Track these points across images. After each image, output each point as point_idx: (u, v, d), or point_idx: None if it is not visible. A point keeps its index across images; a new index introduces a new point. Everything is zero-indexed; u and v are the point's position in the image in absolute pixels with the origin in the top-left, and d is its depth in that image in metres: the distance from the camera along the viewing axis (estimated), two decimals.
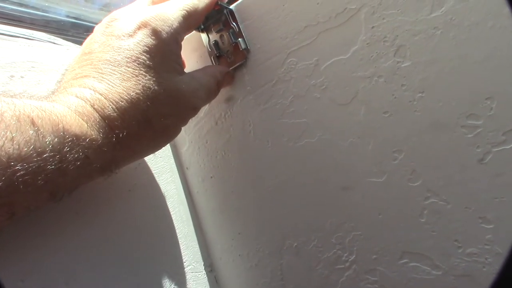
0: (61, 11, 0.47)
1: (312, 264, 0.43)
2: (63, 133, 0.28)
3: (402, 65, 0.39)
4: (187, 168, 0.51)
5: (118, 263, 0.39)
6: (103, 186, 0.40)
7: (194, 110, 0.40)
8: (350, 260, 0.42)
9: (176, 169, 0.50)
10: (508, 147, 0.36)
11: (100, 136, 0.32)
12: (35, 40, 0.42)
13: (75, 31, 0.46)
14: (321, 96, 0.42)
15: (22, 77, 0.38)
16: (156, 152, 0.47)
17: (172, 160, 0.50)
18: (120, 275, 0.39)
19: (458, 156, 0.37)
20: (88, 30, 0.48)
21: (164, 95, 0.36)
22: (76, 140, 0.29)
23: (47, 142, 0.27)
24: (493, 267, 0.37)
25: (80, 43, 0.46)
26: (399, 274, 0.40)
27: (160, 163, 0.47)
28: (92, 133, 0.31)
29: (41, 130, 0.27)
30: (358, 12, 0.40)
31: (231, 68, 0.46)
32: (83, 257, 0.36)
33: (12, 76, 0.38)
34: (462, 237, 0.38)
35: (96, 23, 0.44)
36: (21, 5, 0.43)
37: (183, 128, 0.47)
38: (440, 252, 0.39)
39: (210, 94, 0.42)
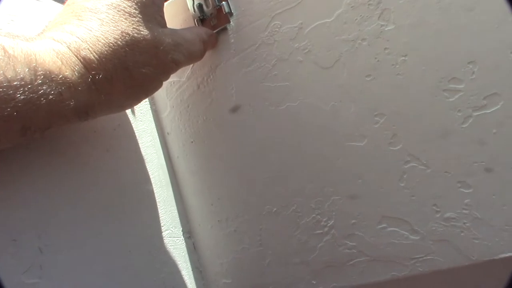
0: None
1: (291, 229, 0.43)
2: (36, 65, 0.28)
3: (386, 29, 0.38)
4: (168, 133, 0.50)
5: (92, 223, 0.39)
6: (80, 144, 0.40)
7: (174, 64, 0.39)
8: (329, 225, 0.42)
9: (156, 133, 0.49)
10: (489, 111, 0.35)
11: (75, 75, 0.31)
12: None
13: None
14: (304, 59, 0.42)
15: (0, 29, 0.38)
16: (136, 115, 0.47)
17: (153, 125, 0.49)
18: (94, 235, 0.38)
19: (439, 120, 0.37)
20: None
21: (143, 43, 0.35)
22: (50, 74, 0.29)
23: (18, 71, 0.27)
24: (471, 232, 0.37)
25: (62, 2, 0.45)
26: (377, 239, 0.40)
27: (141, 127, 0.47)
28: (67, 70, 0.31)
29: (12, 59, 0.27)
30: None
31: (214, 31, 0.45)
32: (57, 213, 0.36)
33: None
34: (441, 201, 0.38)
35: None
36: None
37: (165, 93, 0.47)
38: (419, 217, 0.38)
39: (195, 53, 0.42)
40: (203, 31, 0.43)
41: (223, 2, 0.44)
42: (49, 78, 0.29)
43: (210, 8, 0.46)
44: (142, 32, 0.35)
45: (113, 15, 0.34)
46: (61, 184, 0.37)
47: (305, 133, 0.42)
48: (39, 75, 0.28)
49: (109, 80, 0.33)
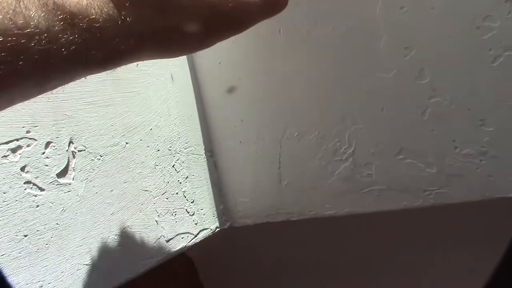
0: None
1: (311, 154, 0.45)
2: (54, 8, 0.23)
3: None
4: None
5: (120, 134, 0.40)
6: None
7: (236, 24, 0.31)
8: (348, 152, 0.43)
9: None
10: None
11: (103, 17, 0.25)
12: None
13: None
14: None
15: None
16: None
17: None
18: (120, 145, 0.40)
19: (469, 57, 0.37)
20: None
21: None
22: (71, 18, 0.24)
23: (32, 15, 0.22)
24: (486, 169, 0.38)
25: None
26: (394, 169, 0.41)
27: None
28: (93, 11, 0.25)
29: (24, 1, 0.22)
30: None
31: None
32: None
33: None
34: (461, 137, 0.39)
35: None
36: None
37: None
38: (437, 150, 0.40)
39: None
40: None
41: None
42: (70, 23, 0.24)
43: None
44: None
45: None
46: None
47: (333, 62, 0.42)
48: (58, 19, 0.23)
49: (141, 24, 0.27)
